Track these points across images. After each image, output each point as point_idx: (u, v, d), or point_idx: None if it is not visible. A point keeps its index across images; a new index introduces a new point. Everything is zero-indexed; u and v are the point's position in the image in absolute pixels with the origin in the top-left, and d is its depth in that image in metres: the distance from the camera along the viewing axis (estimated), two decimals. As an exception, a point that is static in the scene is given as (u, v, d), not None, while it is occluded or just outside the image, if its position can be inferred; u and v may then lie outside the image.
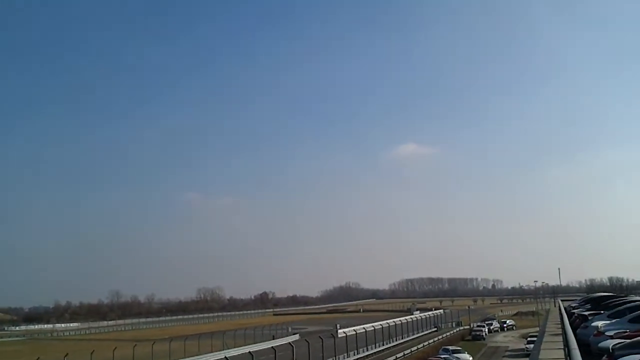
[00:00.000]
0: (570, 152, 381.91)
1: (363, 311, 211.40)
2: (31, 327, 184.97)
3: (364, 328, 72.05)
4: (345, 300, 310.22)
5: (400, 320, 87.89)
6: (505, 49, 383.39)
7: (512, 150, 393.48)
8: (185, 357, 59.71)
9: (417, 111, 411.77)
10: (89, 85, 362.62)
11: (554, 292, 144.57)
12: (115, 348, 67.04)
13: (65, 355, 56.58)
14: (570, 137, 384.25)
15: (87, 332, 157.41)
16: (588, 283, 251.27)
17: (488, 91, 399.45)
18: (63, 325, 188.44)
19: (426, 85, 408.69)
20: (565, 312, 28.28)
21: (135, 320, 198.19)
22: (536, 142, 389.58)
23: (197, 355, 59.96)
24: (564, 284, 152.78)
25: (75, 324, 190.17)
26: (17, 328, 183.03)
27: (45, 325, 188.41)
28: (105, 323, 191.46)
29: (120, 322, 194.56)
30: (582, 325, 21.62)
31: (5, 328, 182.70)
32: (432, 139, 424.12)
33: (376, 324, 78.36)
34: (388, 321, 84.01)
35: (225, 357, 42.90)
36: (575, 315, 27.03)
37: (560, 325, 22.02)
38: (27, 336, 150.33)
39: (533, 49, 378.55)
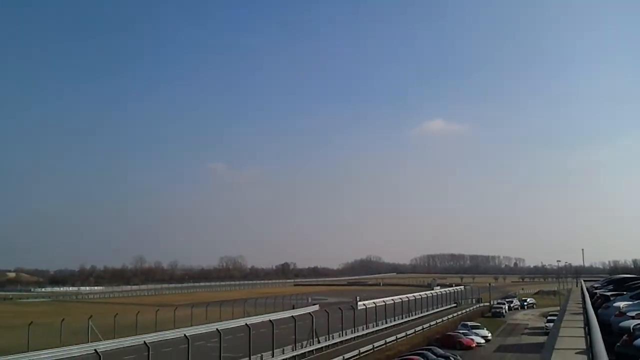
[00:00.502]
0: (601, 135, 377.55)
1: (383, 285, 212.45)
2: (56, 289, 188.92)
3: (383, 301, 72.51)
4: (366, 273, 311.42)
5: (420, 295, 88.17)
6: (548, 27, 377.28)
7: (541, 129, 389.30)
8: (206, 323, 60.67)
9: (445, 87, 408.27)
10: (127, 61, 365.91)
11: (577, 272, 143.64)
12: (138, 312, 68.27)
13: (90, 317, 57.80)
14: (600, 121, 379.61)
15: (110, 295, 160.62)
16: (612, 264, 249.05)
17: (521, 68, 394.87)
18: (87, 288, 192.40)
19: (456, 61, 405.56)
20: (587, 292, 28.05)
21: (158, 286, 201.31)
22: (566, 123, 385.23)
23: (218, 321, 60.86)
24: (587, 264, 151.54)
25: (99, 288, 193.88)
26: (43, 290, 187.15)
27: (70, 288, 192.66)
28: (128, 287, 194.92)
29: (144, 287, 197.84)
30: (603, 305, 21.45)
31: (32, 289, 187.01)
32: (460, 115, 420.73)
33: (396, 297, 78.72)
34: (408, 295, 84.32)
35: (246, 324, 43.44)
36: (597, 295, 26.82)
37: (581, 305, 21.86)
38: (52, 298, 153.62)
39: (575, 26, 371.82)
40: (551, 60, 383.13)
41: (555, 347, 10.96)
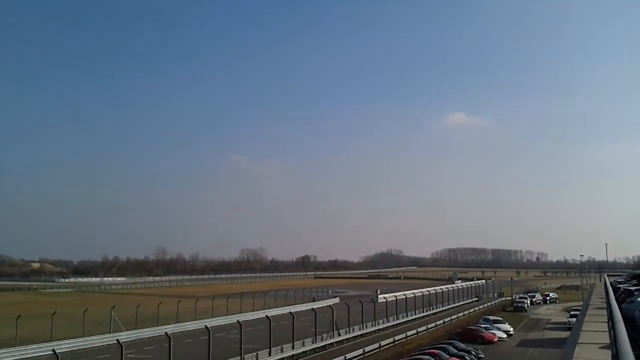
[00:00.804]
0: (627, 131, 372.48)
1: (404, 278, 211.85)
2: (80, 279, 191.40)
3: (404, 294, 72.17)
4: (386, 266, 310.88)
5: (441, 289, 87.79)
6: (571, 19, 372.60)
7: (566, 124, 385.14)
8: (227, 315, 61.01)
9: (467, 80, 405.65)
10: (151, 52, 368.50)
11: (600, 267, 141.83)
12: (160, 303, 68.91)
13: (112, 308, 58.44)
14: (626, 116, 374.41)
15: (133, 286, 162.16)
16: (636, 260, 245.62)
17: (545, 61, 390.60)
18: (110, 279, 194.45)
19: (477, 54, 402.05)
20: (611, 287, 27.66)
21: (179, 277, 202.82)
22: (592, 116, 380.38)
23: (239, 313, 61.18)
24: (610, 259, 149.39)
25: (121, 279, 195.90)
26: (67, 280, 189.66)
27: (93, 279, 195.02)
28: (150, 279, 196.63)
29: (165, 278, 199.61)
30: (627, 300, 21.13)
31: (55, 280, 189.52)
32: (482, 108, 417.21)
33: (417, 291, 78.40)
34: (429, 289, 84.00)
35: (267, 315, 43.56)
36: (621, 290, 26.45)
37: (604, 300, 21.55)
38: (75, 288, 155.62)
39: (600, 20, 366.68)
40: (578, 53, 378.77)
41: (579, 341, 10.80)
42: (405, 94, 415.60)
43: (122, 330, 46.01)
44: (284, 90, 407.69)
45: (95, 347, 32.96)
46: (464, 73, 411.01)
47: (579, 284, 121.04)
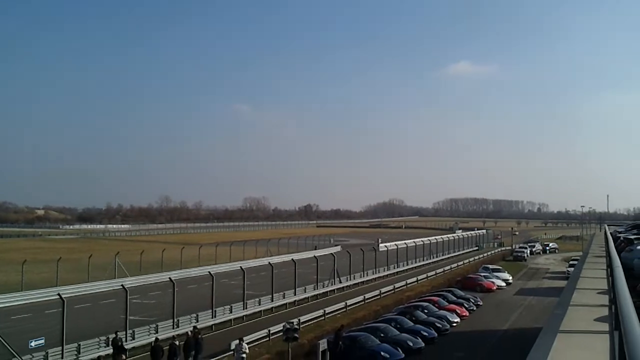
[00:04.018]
0: (630, 79, 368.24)
1: (405, 228, 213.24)
2: (84, 226, 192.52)
3: (405, 243, 72.83)
4: (388, 216, 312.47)
5: (442, 238, 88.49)
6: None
7: (568, 72, 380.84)
8: (230, 262, 61.79)
9: (471, 26, 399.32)
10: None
11: (601, 218, 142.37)
12: (164, 249, 69.66)
13: (117, 254, 59.18)
14: (631, 64, 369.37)
15: (136, 233, 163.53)
16: (637, 211, 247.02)
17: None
18: (114, 226, 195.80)
19: None
20: (611, 236, 27.88)
21: (183, 225, 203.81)
22: (596, 64, 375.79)
23: (241, 260, 61.92)
24: (611, 211, 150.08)
25: (125, 226, 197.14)
26: (71, 227, 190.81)
27: (98, 226, 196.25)
28: (154, 226, 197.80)
29: (169, 225, 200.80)
30: (627, 248, 21.37)
31: (60, 226, 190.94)
32: (486, 57, 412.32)
33: (418, 240, 79.06)
34: (430, 238, 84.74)
35: (269, 262, 44.08)
36: (621, 239, 26.69)
37: (604, 248, 21.74)
38: (80, 235, 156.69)
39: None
40: None
41: (577, 287, 10.96)
42: (407, 42, 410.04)
43: (127, 276, 46.61)
44: (287, 39, 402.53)
45: (101, 292, 33.41)
46: (468, 16, 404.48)
47: (579, 234, 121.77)
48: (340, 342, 27.79)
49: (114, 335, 27.53)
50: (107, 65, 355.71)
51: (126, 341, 28.40)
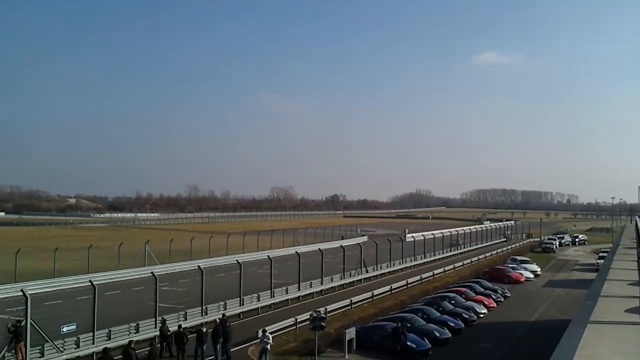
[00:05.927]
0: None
1: (432, 218, 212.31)
2: (114, 215, 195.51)
3: (432, 234, 72.56)
4: (415, 207, 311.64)
5: (469, 229, 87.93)
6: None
7: (599, 60, 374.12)
8: (258, 251, 62.19)
9: (496, 16, 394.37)
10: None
11: (632, 210, 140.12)
12: (193, 238, 70.42)
13: (147, 242, 59.95)
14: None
15: (166, 222, 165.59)
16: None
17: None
18: (144, 214, 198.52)
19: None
20: (643, 228, 27.46)
21: (211, 214, 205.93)
22: (626, 53, 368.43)
23: (269, 249, 62.32)
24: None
25: (155, 214, 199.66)
26: (102, 215, 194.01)
27: (128, 214, 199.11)
28: (183, 215, 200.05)
29: (197, 214, 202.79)
30: (659, 241, 21.05)
31: (91, 215, 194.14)
32: (513, 46, 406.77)
33: (445, 230, 78.66)
34: (457, 229, 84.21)
35: (296, 252, 44.29)
36: (653, 231, 26.28)
37: (635, 240, 21.45)
38: (110, 223, 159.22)
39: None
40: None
41: (608, 278, 10.85)
42: (427, 35, 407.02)
43: (156, 264, 47.22)
44: (315, 29, 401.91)
45: (131, 279, 33.94)
46: (493, 7, 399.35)
47: (609, 226, 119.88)
48: (403, 338, 27.75)
49: (160, 324, 28.10)
50: (136, 53, 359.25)
51: (155, 328, 28.85)
